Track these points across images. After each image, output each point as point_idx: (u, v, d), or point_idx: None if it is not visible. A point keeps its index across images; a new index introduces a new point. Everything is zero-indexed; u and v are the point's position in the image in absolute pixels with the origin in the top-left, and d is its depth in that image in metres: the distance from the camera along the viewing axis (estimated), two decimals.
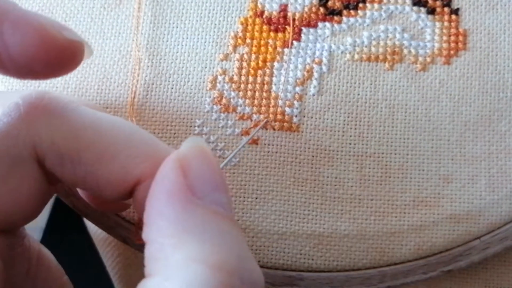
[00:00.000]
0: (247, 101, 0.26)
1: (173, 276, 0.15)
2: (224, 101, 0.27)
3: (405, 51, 0.27)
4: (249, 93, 0.27)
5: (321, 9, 0.27)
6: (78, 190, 0.23)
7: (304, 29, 0.27)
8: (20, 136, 0.18)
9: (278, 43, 0.27)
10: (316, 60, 0.27)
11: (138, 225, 0.21)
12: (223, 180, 0.18)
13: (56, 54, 0.19)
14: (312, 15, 0.27)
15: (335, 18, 0.27)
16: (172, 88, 0.27)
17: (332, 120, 0.26)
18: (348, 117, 0.26)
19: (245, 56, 0.27)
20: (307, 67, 0.27)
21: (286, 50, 0.27)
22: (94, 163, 0.18)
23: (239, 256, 0.16)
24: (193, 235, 0.16)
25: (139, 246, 0.25)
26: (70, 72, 0.20)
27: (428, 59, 0.27)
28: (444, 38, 0.27)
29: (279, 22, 0.27)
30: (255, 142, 0.26)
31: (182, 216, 0.16)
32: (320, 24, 0.27)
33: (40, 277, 0.21)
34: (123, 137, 0.19)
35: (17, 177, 0.18)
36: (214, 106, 0.27)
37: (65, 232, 0.26)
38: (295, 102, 0.26)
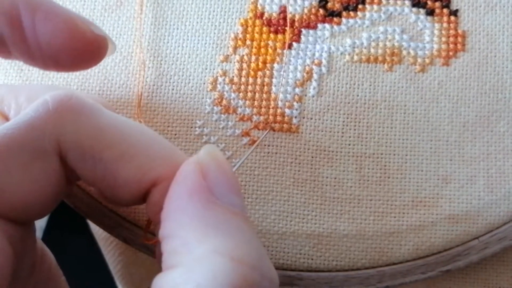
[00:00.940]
0: (247, 102, 0.27)
1: (197, 267, 0.16)
2: (224, 102, 0.27)
3: (404, 52, 0.27)
4: (249, 94, 0.27)
5: (321, 11, 0.28)
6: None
7: (303, 31, 0.27)
8: (46, 129, 0.18)
9: (278, 44, 0.27)
10: (316, 61, 0.27)
11: (147, 226, 0.22)
12: (238, 184, 0.19)
13: (83, 47, 0.20)
14: (311, 16, 0.28)
15: (335, 19, 0.28)
16: (173, 89, 0.27)
17: (331, 121, 0.27)
18: (348, 118, 0.27)
19: (245, 57, 0.27)
20: (307, 68, 0.27)
21: (286, 51, 0.27)
22: (114, 161, 0.19)
23: (258, 254, 0.16)
24: (217, 230, 0.17)
25: (143, 246, 0.25)
26: (92, 66, 0.21)
27: (427, 60, 0.27)
28: (443, 39, 0.27)
29: (279, 24, 0.27)
30: (255, 143, 0.26)
31: (204, 212, 0.17)
32: (319, 26, 0.27)
33: (42, 275, 0.22)
34: (144, 140, 0.19)
35: (39, 168, 0.19)
36: (215, 107, 0.27)
37: (65, 232, 0.26)
38: (295, 103, 0.27)
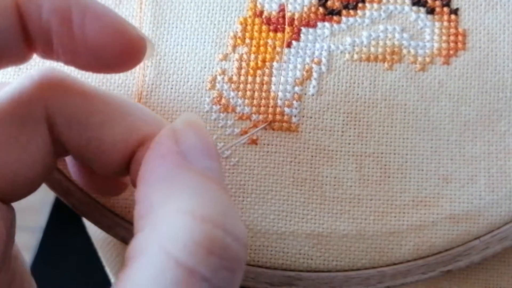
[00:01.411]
0: (247, 101, 0.26)
1: (160, 227, 0.16)
2: (223, 101, 0.27)
3: (405, 51, 0.27)
4: (248, 93, 0.27)
5: (321, 9, 0.27)
6: (72, 172, 0.24)
7: (303, 29, 0.27)
8: (33, 97, 0.19)
9: (277, 43, 0.27)
10: (315, 60, 0.27)
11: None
12: (215, 150, 0.19)
13: (128, 46, 0.20)
14: (311, 15, 0.27)
15: (335, 18, 0.27)
16: (171, 88, 0.27)
17: (331, 120, 0.26)
18: (347, 117, 0.26)
19: (245, 56, 0.27)
20: (306, 67, 0.27)
21: (285, 50, 0.27)
22: (101, 125, 0.19)
23: (224, 212, 0.17)
24: (182, 190, 0.17)
25: None
26: (131, 68, 0.22)
27: (428, 59, 0.27)
28: (444, 38, 0.27)
29: (278, 22, 0.27)
30: (254, 142, 0.26)
31: (172, 174, 0.17)
32: (319, 24, 0.27)
33: (18, 268, 0.22)
34: (128, 105, 0.20)
35: (28, 137, 0.19)
36: (214, 106, 0.27)
37: (65, 232, 0.26)
38: (294, 102, 0.26)
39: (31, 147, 0.19)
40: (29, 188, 0.20)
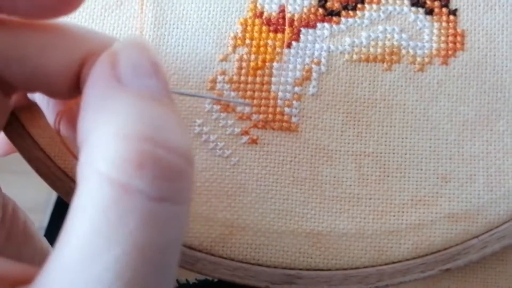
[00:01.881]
0: (247, 101, 0.27)
1: (91, 151, 0.16)
2: (223, 101, 0.27)
3: (403, 51, 0.27)
4: (248, 93, 0.27)
5: (320, 10, 0.28)
6: (52, 124, 0.24)
7: (303, 30, 0.27)
8: None
9: (277, 43, 0.27)
10: (315, 60, 0.27)
11: (58, 114, 0.22)
12: (156, 68, 0.18)
13: None
14: (311, 15, 0.28)
15: (334, 18, 0.28)
16: (172, 88, 0.27)
17: (330, 120, 0.27)
18: (347, 117, 0.27)
19: (245, 56, 0.27)
20: (306, 67, 0.27)
21: (285, 50, 0.27)
22: (39, 54, 0.19)
23: (154, 125, 0.16)
24: (111, 114, 0.16)
25: None
26: (77, 8, 0.20)
27: (426, 60, 0.27)
28: (442, 38, 0.27)
29: (278, 23, 0.28)
30: (254, 141, 0.26)
31: (102, 100, 0.17)
32: (319, 25, 0.28)
33: (15, 228, 0.22)
34: (60, 27, 0.19)
35: None
36: (214, 106, 0.27)
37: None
38: (294, 102, 0.27)
39: None
40: None
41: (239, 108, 0.27)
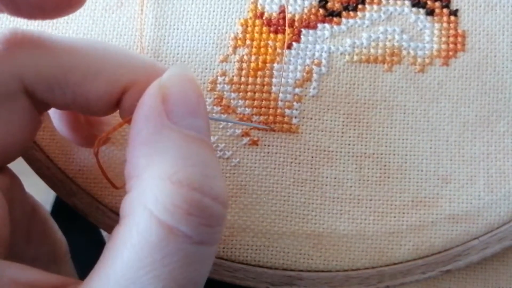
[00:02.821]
0: (247, 102, 0.27)
1: (144, 190, 0.17)
2: (224, 102, 0.27)
3: (404, 52, 0.27)
4: (249, 94, 0.27)
5: (321, 11, 0.28)
6: (59, 130, 0.24)
7: (303, 30, 0.27)
8: (5, 72, 0.19)
9: (278, 44, 0.27)
10: (316, 61, 0.27)
11: (99, 142, 0.21)
12: (202, 106, 0.19)
13: None
14: (311, 16, 0.28)
15: (335, 19, 0.28)
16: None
17: (331, 121, 0.27)
18: (347, 118, 0.27)
19: (245, 57, 0.27)
20: (307, 68, 0.27)
21: (286, 51, 0.27)
22: (81, 82, 0.19)
23: (202, 174, 0.18)
24: (163, 155, 0.18)
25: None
26: (78, 8, 0.21)
27: (427, 60, 0.27)
28: (443, 39, 0.27)
29: (278, 24, 0.27)
30: (255, 143, 0.26)
31: (155, 138, 0.18)
32: (319, 26, 0.27)
33: (35, 229, 0.23)
34: (102, 54, 0.20)
35: (8, 111, 0.19)
36: (215, 107, 0.27)
37: (65, 233, 0.26)
38: (295, 103, 0.27)
39: (13, 119, 0.19)
40: (21, 147, 0.21)
41: (239, 109, 0.27)
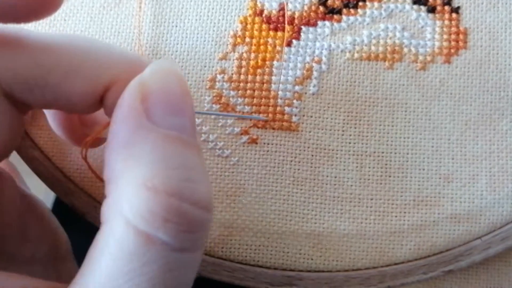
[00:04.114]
0: (246, 100, 0.26)
1: (120, 197, 0.17)
2: (223, 100, 0.26)
3: (405, 49, 0.27)
4: (248, 92, 0.26)
5: (321, 8, 0.27)
6: (53, 129, 0.24)
7: (303, 28, 0.27)
8: None
9: (277, 42, 0.27)
10: (316, 59, 0.27)
11: (85, 144, 0.21)
12: (186, 104, 0.18)
13: None
14: (311, 14, 0.27)
15: (335, 17, 0.27)
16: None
17: (331, 119, 0.26)
18: (348, 116, 0.26)
19: (245, 55, 0.27)
20: (307, 66, 0.27)
21: (285, 48, 0.27)
22: (60, 82, 0.19)
23: (181, 177, 0.17)
24: (139, 159, 0.17)
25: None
26: (52, 13, 0.20)
27: (428, 58, 0.27)
28: (445, 36, 0.27)
29: (278, 21, 0.27)
30: (254, 141, 0.26)
31: (132, 140, 0.17)
32: (319, 23, 0.27)
33: (32, 228, 0.22)
34: (83, 51, 0.19)
35: None
36: (213, 105, 0.26)
37: (65, 232, 0.26)
38: (295, 101, 0.26)
39: None
40: (7, 149, 0.20)
41: (239, 107, 0.26)
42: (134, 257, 0.16)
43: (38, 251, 0.23)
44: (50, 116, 0.24)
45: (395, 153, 0.26)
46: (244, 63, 0.27)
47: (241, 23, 0.27)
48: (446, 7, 0.27)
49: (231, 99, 0.26)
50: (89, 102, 0.19)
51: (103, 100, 0.19)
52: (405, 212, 0.26)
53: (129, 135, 0.17)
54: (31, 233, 0.22)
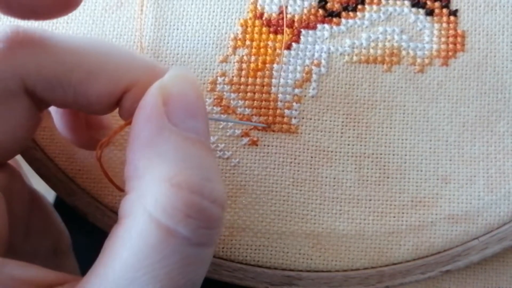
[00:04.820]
0: (247, 102, 0.27)
1: (143, 192, 0.18)
2: (224, 102, 0.27)
3: (404, 52, 0.27)
4: (248, 94, 0.27)
5: (320, 11, 0.28)
6: (60, 130, 0.24)
7: (303, 31, 0.27)
8: (6, 71, 0.19)
9: (277, 45, 0.27)
10: (315, 61, 0.27)
11: (101, 146, 0.21)
12: (202, 108, 0.19)
13: None
14: (311, 17, 0.28)
15: (334, 20, 0.28)
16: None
17: (330, 121, 0.27)
18: (347, 118, 0.27)
19: (245, 57, 0.27)
20: (306, 68, 0.27)
21: (285, 51, 0.27)
22: (82, 82, 0.20)
23: (201, 176, 0.18)
24: (163, 157, 0.18)
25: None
26: (71, 11, 0.21)
27: (426, 61, 0.27)
28: (443, 39, 0.27)
29: (278, 24, 0.27)
30: (254, 143, 0.26)
31: (155, 140, 0.18)
32: (319, 26, 0.27)
33: (35, 222, 0.23)
34: (104, 53, 0.20)
35: (8, 109, 0.19)
36: (214, 108, 0.27)
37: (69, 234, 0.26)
38: (294, 103, 0.27)
39: (13, 117, 0.20)
40: (20, 145, 0.21)
41: (239, 110, 0.27)
42: (155, 249, 0.17)
43: (41, 246, 0.23)
44: (57, 116, 0.24)
45: (393, 155, 0.26)
46: (244, 65, 0.27)
47: (242, 26, 0.28)
48: (444, 10, 0.27)
49: (231, 101, 0.27)
50: (107, 103, 0.20)
51: (120, 102, 0.20)
52: (403, 213, 0.26)
53: (152, 135, 0.18)
54: (35, 228, 0.23)
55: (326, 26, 0.27)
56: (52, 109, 0.24)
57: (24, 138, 0.21)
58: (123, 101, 0.20)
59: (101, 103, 0.20)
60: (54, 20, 0.28)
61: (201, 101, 0.19)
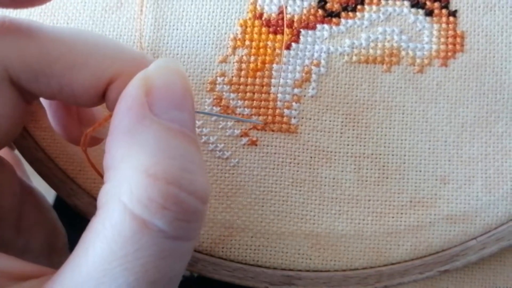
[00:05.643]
0: (246, 102, 0.27)
1: (119, 182, 0.17)
2: (223, 102, 0.27)
3: (403, 53, 0.27)
4: (248, 94, 0.27)
5: (320, 11, 0.28)
6: (53, 125, 0.24)
7: (302, 31, 0.27)
8: None
9: (277, 45, 0.27)
10: (315, 61, 0.27)
11: (86, 136, 0.21)
12: (187, 100, 0.19)
13: None
14: (310, 17, 0.28)
15: (334, 20, 0.28)
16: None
17: (330, 121, 0.27)
18: (346, 118, 0.27)
19: (244, 58, 0.27)
20: (306, 68, 0.27)
21: (285, 51, 0.27)
22: (67, 73, 0.19)
23: (181, 167, 0.17)
24: (141, 147, 0.17)
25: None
26: (46, 2, 0.21)
27: (426, 61, 0.27)
28: (442, 40, 0.27)
29: (278, 24, 0.28)
30: (254, 143, 0.27)
31: (135, 129, 0.18)
32: (318, 26, 0.28)
33: (27, 218, 0.23)
34: (90, 44, 0.20)
35: None
36: (214, 108, 0.27)
37: (66, 232, 0.26)
38: (294, 103, 0.27)
39: None
40: (8, 136, 0.20)
41: (239, 110, 0.27)
42: (129, 241, 0.16)
43: (32, 241, 0.23)
44: (50, 112, 0.24)
45: (393, 155, 0.26)
46: (244, 66, 0.27)
47: (241, 26, 0.28)
48: (444, 11, 0.27)
49: (231, 101, 0.27)
50: (93, 94, 0.20)
51: (106, 93, 0.20)
52: (402, 213, 0.26)
53: (132, 124, 0.18)
54: (26, 223, 0.23)
55: (326, 26, 0.28)
56: (45, 103, 0.24)
57: (12, 130, 0.20)
58: (108, 92, 0.20)
59: (86, 94, 0.20)
60: (54, 20, 0.28)
61: (187, 92, 0.19)
